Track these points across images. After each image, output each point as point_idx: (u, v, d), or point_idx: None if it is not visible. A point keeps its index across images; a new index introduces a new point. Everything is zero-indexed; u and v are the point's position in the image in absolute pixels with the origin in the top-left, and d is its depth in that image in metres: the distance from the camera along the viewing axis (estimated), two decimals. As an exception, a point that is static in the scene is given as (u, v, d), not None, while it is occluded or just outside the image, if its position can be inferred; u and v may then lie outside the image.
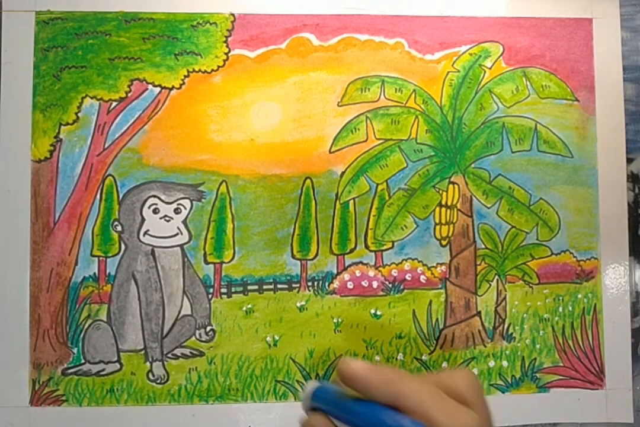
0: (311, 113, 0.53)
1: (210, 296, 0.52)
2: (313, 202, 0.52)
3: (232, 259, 0.52)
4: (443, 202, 0.53)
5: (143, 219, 0.51)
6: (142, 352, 0.51)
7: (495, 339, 0.53)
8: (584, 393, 0.53)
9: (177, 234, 0.52)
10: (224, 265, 0.52)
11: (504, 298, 0.53)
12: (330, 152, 0.53)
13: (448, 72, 0.54)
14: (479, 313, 0.53)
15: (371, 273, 0.53)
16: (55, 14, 0.52)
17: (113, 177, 0.51)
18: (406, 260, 0.53)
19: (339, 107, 0.53)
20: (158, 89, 0.52)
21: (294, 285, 0.52)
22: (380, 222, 0.53)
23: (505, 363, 0.53)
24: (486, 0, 0.54)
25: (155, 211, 0.52)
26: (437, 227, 0.53)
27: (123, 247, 0.51)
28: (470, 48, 0.54)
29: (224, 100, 0.52)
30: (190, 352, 0.51)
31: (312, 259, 0.52)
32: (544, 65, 0.54)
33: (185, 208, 0.52)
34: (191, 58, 0.52)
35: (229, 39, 0.52)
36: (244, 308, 0.52)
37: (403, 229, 0.53)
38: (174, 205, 0.52)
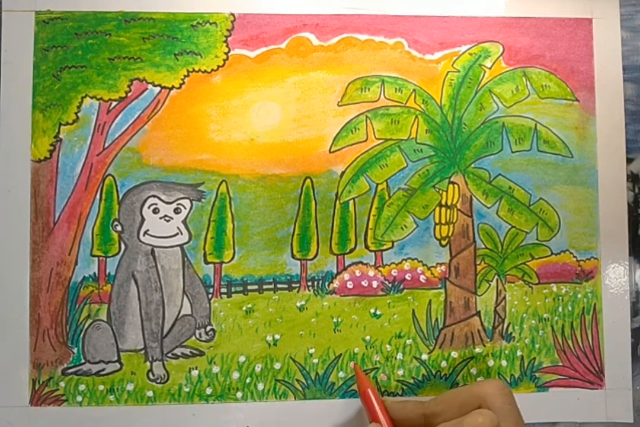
0: (311, 113, 0.53)
1: (210, 295, 0.52)
2: (313, 202, 0.52)
3: (232, 259, 0.52)
4: (443, 202, 0.53)
5: (143, 219, 0.51)
6: (142, 352, 0.51)
7: (494, 339, 0.53)
8: (583, 393, 0.53)
9: (177, 234, 0.52)
10: (223, 265, 0.52)
11: (504, 298, 0.53)
12: (330, 152, 0.53)
13: (448, 72, 0.54)
14: (478, 313, 0.53)
15: (371, 273, 0.53)
16: (55, 13, 0.51)
17: (113, 177, 0.51)
18: (406, 260, 0.53)
19: (338, 107, 0.53)
20: (158, 89, 0.52)
21: (294, 285, 0.52)
22: (380, 222, 0.53)
23: (504, 363, 0.53)
24: (486, 0, 0.54)
25: (155, 211, 0.52)
26: (437, 227, 0.53)
27: (123, 247, 0.51)
28: (470, 48, 0.54)
29: (224, 100, 0.52)
30: (191, 352, 0.51)
31: (312, 259, 0.52)
32: (544, 65, 0.54)
33: (185, 208, 0.52)
34: (191, 58, 0.52)
35: (229, 38, 0.52)
36: (244, 308, 0.52)
37: (403, 229, 0.53)
38: (174, 205, 0.52)
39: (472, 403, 0.43)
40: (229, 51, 0.52)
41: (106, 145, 0.52)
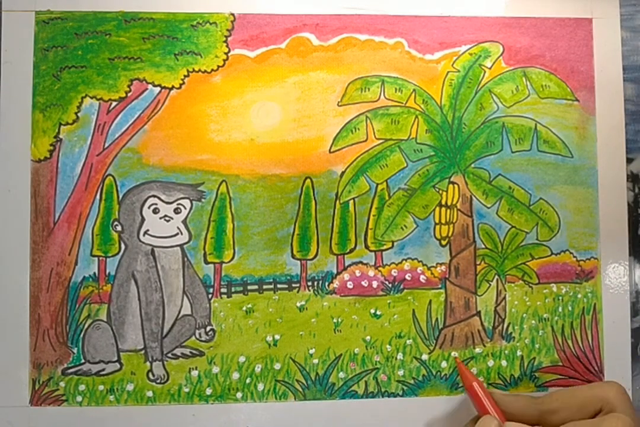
0: (311, 113, 0.53)
1: (210, 295, 0.52)
2: (313, 202, 0.52)
3: (232, 259, 0.52)
4: (443, 202, 0.53)
5: (143, 219, 0.51)
6: (142, 352, 0.51)
7: (494, 339, 0.53)
8: (583, 393, 0.53)
9: (177, 234, 0.52)
10: (224, 265, 0.52)
11: (504, 298, 0.53)
12: (330, 152, 0.53)
13: (448, 72, 0.54)
14: (478, 313, 0.53)
15: (371, 273, 0.53)
16: (55, 13, 0.51)
17: (113, 177, 0.51)
18: (406, 260, 0.53)
19: (338, 107, 0.53)
20: (158, 89, 0.52)
21: (294, 285, 0.52)
22: (380, 222, 0.53)
23: (504, 362, 0.53)
24: (486, 0, 0.54)
25: (155, 211, 0.52)
26: (437, 227, 0.53)
27: (123, 247, 0.51)
28: (470, 48, 0.54)
29: (224, 100, 0.52)
30: (190, 352, 0.51)
31: (312, 259, 0.52)
32: (544, 65, 0.54)
33: (185, 208, 0.52)
34: (191, 58, 0.52)
35: (229, 38, 0.52)
36: (244, 308, 0.52)
37: (403, 229, 0.53)
38: (174, 205, 0.52)
39: (593, 404, 0.44)
40: (229, 51, 0.52)
41: (106, 145, 0.51)
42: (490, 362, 0.53)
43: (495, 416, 0.46)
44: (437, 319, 0.53)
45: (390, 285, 0.53)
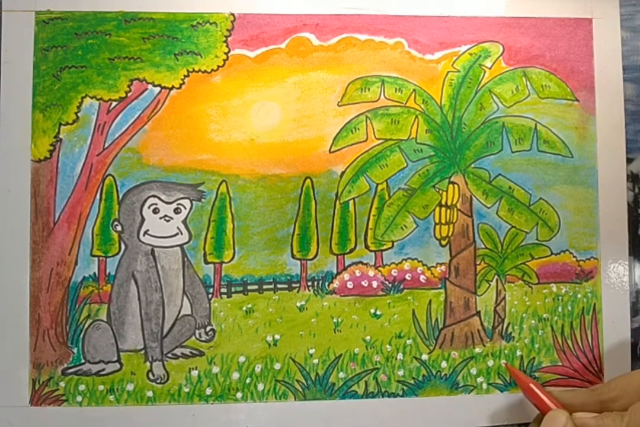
0: (311, 113, 0.53)
1: (210, 295, 0.52)
2: (313, 202, 0.52)
3: (232, 259, 0.52)
4: (443, 202, 0.53)
5: (143, 219, 0.51)
6: (142, 352, 0.51)
7: (494, 339, 0.53)
8: (583, 393, 0.53)
9: (177, 234, 0.52)
10: (223, 265, 0.52)
11: (504, 298, 0.53)
12: (330, 152, 0.53)
13: (448, 72, 0.54)
14: (478, 313, 0.53)
15: (371, 273, 0.53)
16: (55, 13, 0.51)
17: (113, 177, 0.51)
18: (406, 260, 0.53)
19: (338, 107, 0.53)
20: (158, 89, 0.52)
21: (294, 285, 0.52)
22: (380, 222, 0.53)
23: (504, 362, 0.53)
24: (486, 0, 0.54)
25: (155, 211, 0.52)
26: (437, 227, 0.53)
27: (123, 247, 0.51)
28: (470, 48, 0.54)
29: (224, 100, 0.52)
30: (190, 352, 0.51)
31: (312, 259, 0.52)
32: (544, 65, 0.54)
33: (185, 208, 0.52)
34: (191, 58, 0.52)
35: (229, 38, 0.52)
36: (244, 308, 0.52)
37: (403, 229, 0.53)
38: (174, 205, 0.52)
39: None
40: (229, 51, 0.52)
41: (106, 145, 0.52)
42: (490, 362, 0.53)
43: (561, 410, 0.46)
44: (437, 319, 0.53)
45: (390, 285, 0.53)
